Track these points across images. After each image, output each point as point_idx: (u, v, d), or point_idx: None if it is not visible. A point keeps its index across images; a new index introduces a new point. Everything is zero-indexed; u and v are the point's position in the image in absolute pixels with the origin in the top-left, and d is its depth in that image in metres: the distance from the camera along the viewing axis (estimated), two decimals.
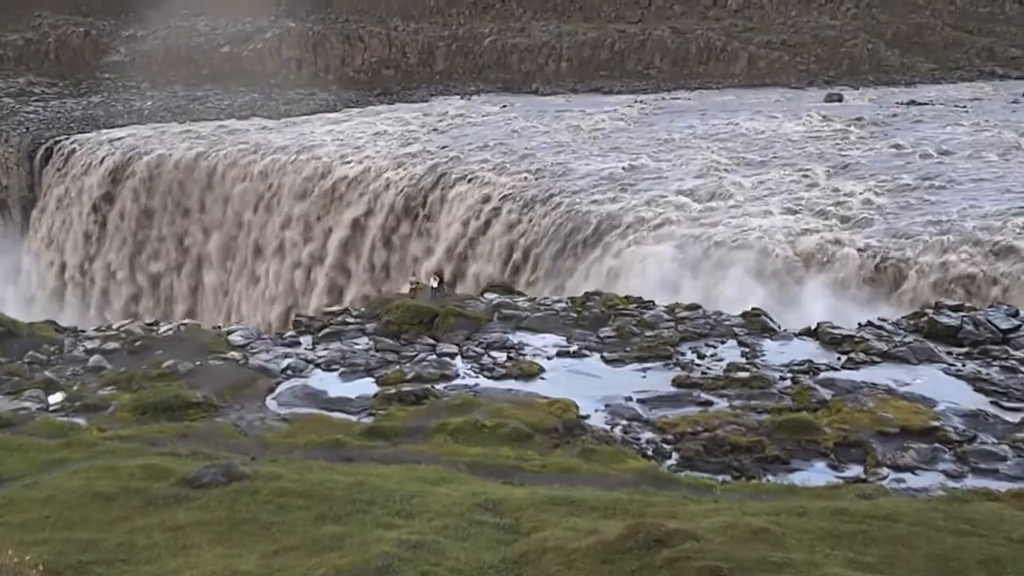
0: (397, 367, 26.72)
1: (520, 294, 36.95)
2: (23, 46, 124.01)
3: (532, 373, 25.92)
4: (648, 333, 28.82)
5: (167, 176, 77.69)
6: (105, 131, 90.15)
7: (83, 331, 32.76)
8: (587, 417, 22.44)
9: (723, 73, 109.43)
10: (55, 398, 25.22)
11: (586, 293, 34.09)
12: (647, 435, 21.58)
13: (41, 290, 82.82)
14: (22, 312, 39.66)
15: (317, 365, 27.30)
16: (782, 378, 24.93)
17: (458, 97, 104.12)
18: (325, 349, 28.72)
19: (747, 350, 27.52)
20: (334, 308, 35.52)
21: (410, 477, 17.30)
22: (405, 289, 36.89)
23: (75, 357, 29.19)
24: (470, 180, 60.51)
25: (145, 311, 75.28)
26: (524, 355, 27.52)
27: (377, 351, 28.30)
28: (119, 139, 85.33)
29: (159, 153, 79.58)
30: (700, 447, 20.54)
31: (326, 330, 30.56)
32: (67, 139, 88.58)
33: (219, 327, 34.42)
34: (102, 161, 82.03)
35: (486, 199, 57.68)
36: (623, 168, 60.28)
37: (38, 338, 30.72)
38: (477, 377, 25.88)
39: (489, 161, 64.14)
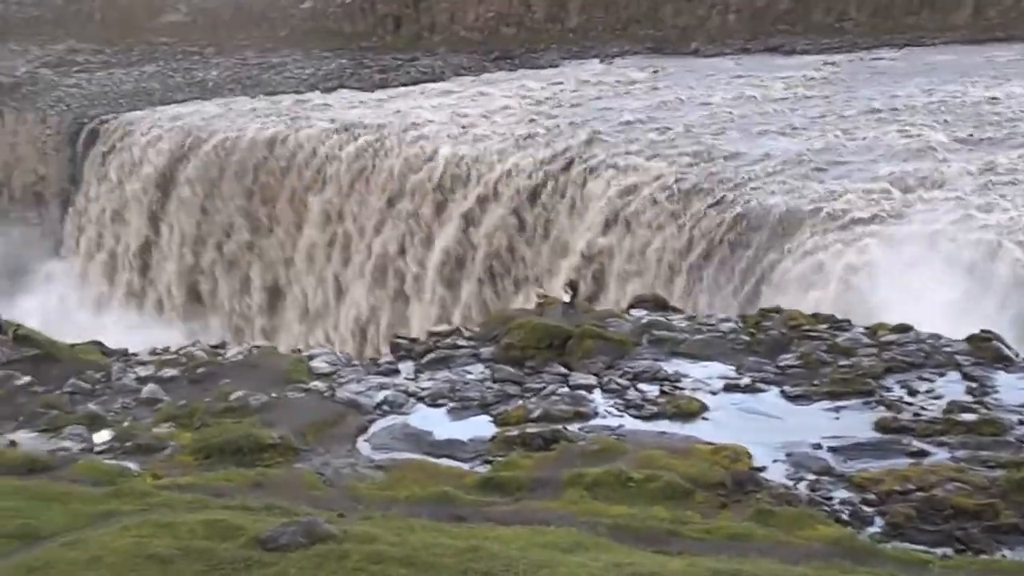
0: (520, 402, 26.76)
1: (676, 310, 36.68)
2: (62, 6, 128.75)
3: (692, 412, 25.70)
4: (843, 362, 28.31)
5: (236, 163, 79.62)
6: (161, 108, 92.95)
7: (135, 354, 33.65)
8: (763, 469, 22.16)
9: (940, 25, 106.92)
10: (101, 437, 25.97)
11: (761, 310, 33.69)
12: (841, 494, 21.17)
13: (83, 303, 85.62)
14: (60, 330, 40.99)
15: (420, 399, 27.53)
16: (1021, 422, 24.21)
17: (596, 61, 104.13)
18: (430, 379, 28.95)
19: (974, 385, 26.80)
20: (442, 328, 35.79)
21: (536, 542, 17.30)
22: (530, 304, 36.98)
23: (125, 386, 30.01)
24: (612, 166, 60.47)
25: (211, 329, 77.10)
26: (681, 388, 27.31)
27: (495, 382, 28.40)
28: (178, 118, 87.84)
29: (226, 135, 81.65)
30: (912, 511, 20.04)
31: (431, 355, 30.79)
32: (115, 118, 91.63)
33: (299, 350, 35.00)
34: (158, 145, 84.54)
35: (632, 190, 57.56)
36: (809, 149, 59.50)
37: (81, 362, 31.69)
38: (621, 416, 25.77)
39: (636, 142, 64.06)
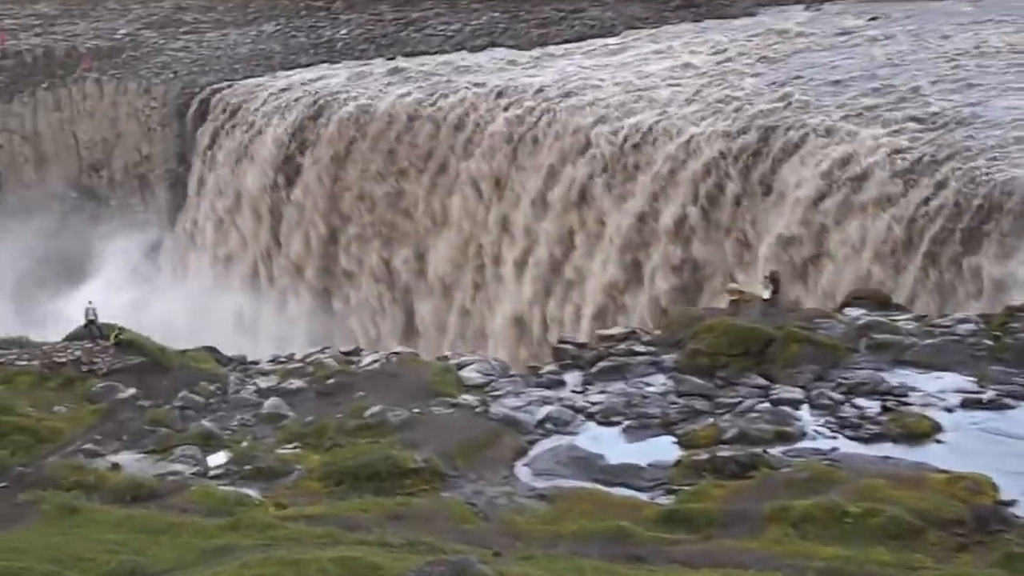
0: (711, 420, 26.65)
1: (901, 309, 36.15)
2: None
3: (922, 433, 25.38)
4: None
5: (372, 136, 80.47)
6: (283, 73, 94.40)
7: (255, 362, 34.33)
8: (1011, 503, 21.73)
9: None
10: (216, 459, 26.56)
11: (1009, 308, 32.99)
12: None
13: (196, 302, 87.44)
14: (168, 334, 41.99)
15: (590, 415, 27.57)
16: None
17: (800, 7, 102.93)
18: (602, 392, 28.97)
19: None
20: (615, 330, 35.80)
21: None
22: (722, 302, 36.74)
23: (244, 400, 30.63)
24: (821, 135, 59.69)
25: (342, 334, 78.08)
26: (909, 404, 26.94)
27: (680, 395, 28.31)
28: (304, 85, 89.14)
29: (360, 103, 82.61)
30: None
31: (603, 363, 30.81)
32: (230, 87, 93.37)
33: (446, 357, 35.24)
34: (281, 117, 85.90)
35: (847, 162, 56.75)
36: None
37: (193, 372, 32.45)
38: (834, 437, 25.55)
39: (850, 105, 63.10)
